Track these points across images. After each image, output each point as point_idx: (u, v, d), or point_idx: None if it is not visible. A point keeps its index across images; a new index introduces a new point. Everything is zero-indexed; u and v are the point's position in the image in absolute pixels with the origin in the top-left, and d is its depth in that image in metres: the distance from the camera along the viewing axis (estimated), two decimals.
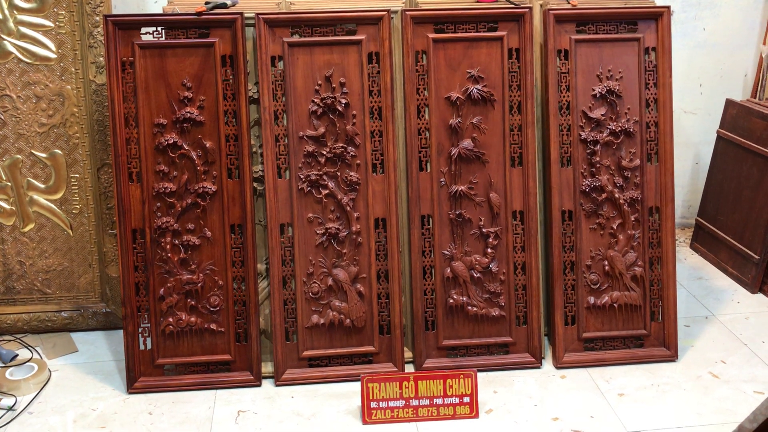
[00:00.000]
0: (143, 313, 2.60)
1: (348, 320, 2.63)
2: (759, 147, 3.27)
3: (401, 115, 2.61)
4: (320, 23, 2.53)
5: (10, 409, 2.48)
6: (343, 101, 2.55)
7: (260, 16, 2.50)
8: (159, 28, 2.52)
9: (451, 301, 2.66)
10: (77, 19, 2.77)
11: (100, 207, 2.91)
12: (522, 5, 2.60)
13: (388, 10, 2.54)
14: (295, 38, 2.53)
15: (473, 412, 2.42)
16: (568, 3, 2.66)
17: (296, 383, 2.61)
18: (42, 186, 2.89)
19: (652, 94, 2.67)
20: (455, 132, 2.61)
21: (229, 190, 2.56)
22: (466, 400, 2.42)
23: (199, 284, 2.59)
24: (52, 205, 2.91)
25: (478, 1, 2.68)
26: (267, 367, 2.65)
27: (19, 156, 2.86)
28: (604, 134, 2.65)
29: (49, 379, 2.65)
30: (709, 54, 3.74)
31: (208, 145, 2.55)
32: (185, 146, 2.54)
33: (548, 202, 2.67)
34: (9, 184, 2.88)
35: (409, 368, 2.67)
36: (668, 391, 2.55)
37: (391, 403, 2.41)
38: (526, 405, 2.49)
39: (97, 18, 2.75)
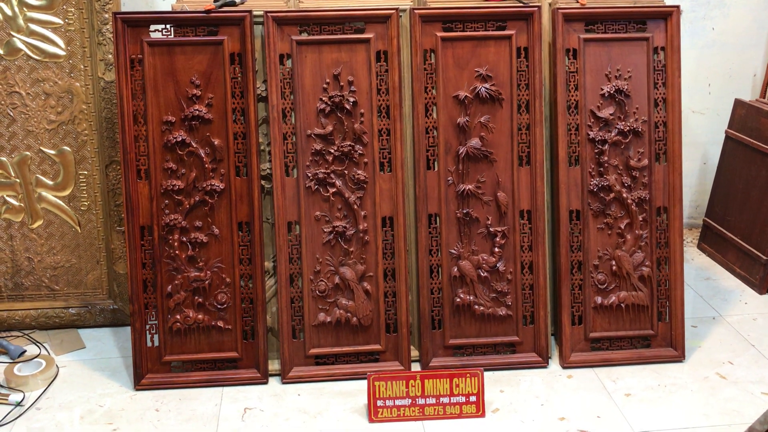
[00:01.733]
0: (150, 310, 2.60)
1: (355, 318, 2.63)
2: (767, 147, 3.27)
3: (409, 114, 2.61)
4: (329, 21, 2.53)
5: (18, 404, 2.49)
6: (351, 99, 2.55)
7: (269, 14, 2.50)
8: (168, 26, 2.52)
9: (458, 300, 2.66)
10: (86, 16, 2.78)
11: (108, 204, 2.92)
12: (531, 4, 2.60)
13: (396, 9, 2.54)
14: (304, 36, 2.54)
15: (479, 411, 2.42)
16: (577, 2, 2.66)
17: (303, 381, 2.61)
18: (50, 183, 2.90)
19: (660, 93, 2.66)
20: (463, 131, 2.61)
21: (236, 188, 2.57)
22: (473, 399, 2.42)
23: (207, 281, 2.59)
24: (61, 202, 2.91)
25: (486, 0, 2.67)
26: (274, 365, 2.66)
27: (27, 153, 2.87)
28: (613, 134, 2.65)
29: (56, 376, 2.66)
30: (718, 54, 3.73)
31: (216, 142, 2.55)
32: (193, 144, 2.55)
33: (556, 202, 2.67)
34: (18, 180, 2.89)
35: (416, 367, 2.67)
36: (675, 391, 2.55)
37: (398, 402, 2.42)
38: (533, 404, 2.49)
39: (106, 15, 2.76)
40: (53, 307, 2.97)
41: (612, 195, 2.67)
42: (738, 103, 3.51)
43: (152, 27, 2.52)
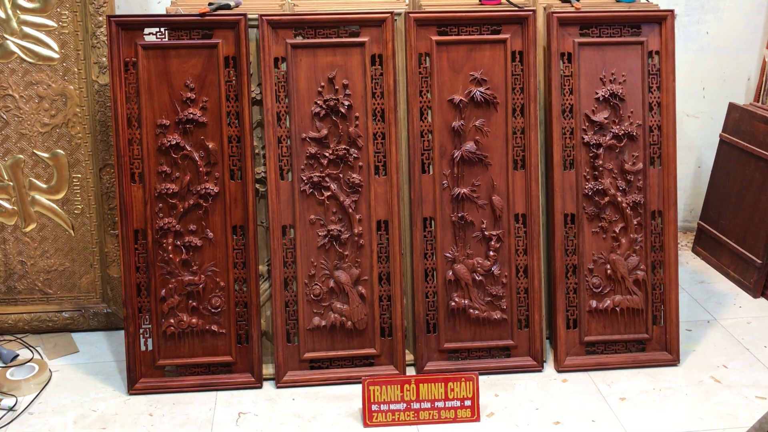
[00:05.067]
0: (144, 314, 2.59)
1: (349, 322, 2.62)
2: (761, 151, 3.27)
3: (404, 118, 2.61)
4: (323, 25, 2.53)
5: (11, 409, 2.48)
6: (346, 103, 2.55)
7: (263, 18, 2.50)
8: (162, 29, 2.52)
9: (453, 303, 2.65)
10: (80, 19, 2.77)
11: (102, 207, 2.91)
12: (526, 8, 2.60)
13: (391, 12, 2.54)
14: (299, 40, 2.53)
15: (474, 415, 2.42)
16: (572, 6, 2.66)
17: (297, 385, 2.61)
18: (44, 186, 2.88)
19: (655, 97, 2.67)
20: (458, 134, 2.61)
21: (231, 192, 2.56)
22: (468, 403, 2.42)
23: (201, 285, 2.59)
24: (54, 205, 2.90)
25: (481, 4, 2.68)
26: (268, 369, 2.65)
27: (21, 156, 2.86)
28: (607, 137, 2.65)
29: (49, 380, 2.65)
30: (712, 57, 3.74)
31: (210, 146, 2.54)
32: (188, 147, 2.54)
33: (551, 206, 2.67)
34: (11, 183, 2.87)
35: (411, 371, 2.67)
36: (670, 395, 2.55)
37: (392, 406, 2.41)
38: (528, 409, 2.48)
39: (101, 18, 2.75)
40: (46, 311, 2.96)
41: (607, 199, 2.67)
42: (732, 107, 3.52)
43: (146, 30, 2.51)
